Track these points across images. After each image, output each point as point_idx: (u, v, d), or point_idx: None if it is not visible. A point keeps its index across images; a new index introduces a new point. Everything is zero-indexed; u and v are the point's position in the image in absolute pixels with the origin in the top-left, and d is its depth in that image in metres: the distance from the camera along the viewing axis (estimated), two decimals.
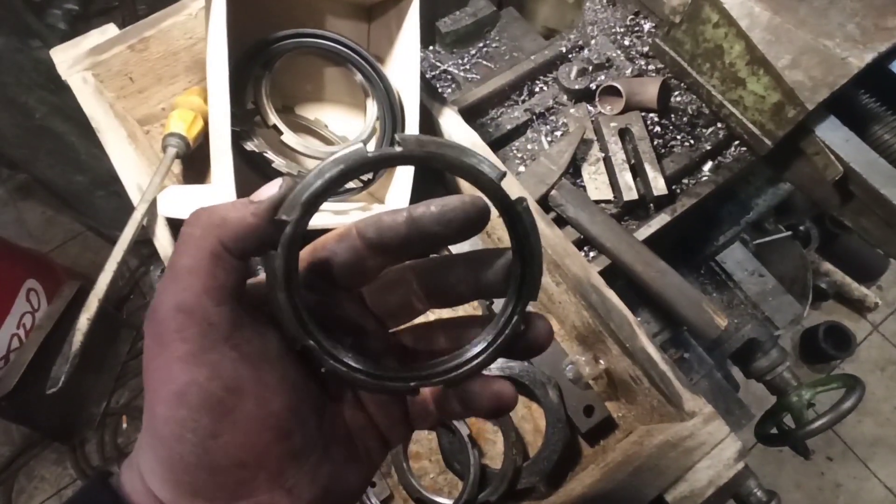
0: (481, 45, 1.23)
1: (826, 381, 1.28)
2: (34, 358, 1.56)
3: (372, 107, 0.72)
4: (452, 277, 0.33)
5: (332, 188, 0.27)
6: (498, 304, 0.33)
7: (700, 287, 1.23)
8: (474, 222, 0.29)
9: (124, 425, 1.89)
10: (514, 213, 0.28)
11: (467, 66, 1.22)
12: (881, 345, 2.21)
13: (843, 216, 0.89)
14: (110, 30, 0.81)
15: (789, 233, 1.53)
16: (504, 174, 0.28)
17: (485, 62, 1.22)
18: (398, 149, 0.26)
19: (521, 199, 0.28)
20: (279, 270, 0.27)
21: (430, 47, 1.24)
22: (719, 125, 0.95)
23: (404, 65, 0.67)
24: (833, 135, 0.81)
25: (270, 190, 0.28)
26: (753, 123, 0.87)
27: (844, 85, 0.74)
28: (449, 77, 1.20)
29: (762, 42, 0.77)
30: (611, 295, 0.62)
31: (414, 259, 0.34)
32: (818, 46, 0.75)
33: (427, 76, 1.21)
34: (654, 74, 0.98)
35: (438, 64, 1.22)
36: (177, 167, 0.89)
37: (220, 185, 0.59)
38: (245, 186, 0.66)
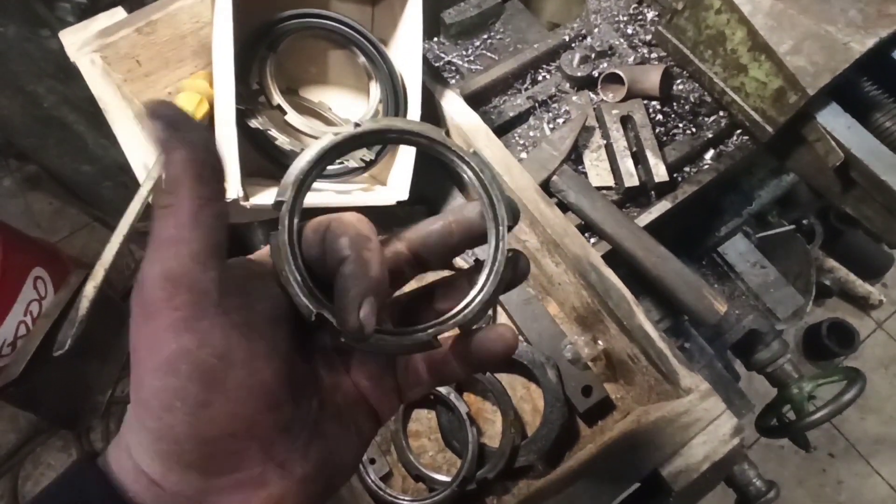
0: (485, 36, 1.23)
1: (827, 374, 1.28)
2: (41, 345, 1.58)
3: (375, 89, 0.73)
4: (436, 239, 0.34)
5: (315, 170, 0.31)
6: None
7: (702, 278, 1.23)
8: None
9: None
10: (465, 161, 0.32)
11: (471, 58, 1.22)
12: (885, 342, 2.20)
13: (845, 204, 0.89)
14: (119, 13, 0.82)
15: (792, 227, 1.53)
16: (446, 131, 0.32)
17: (489, 54, 1.22)
18: (356, 129, 0.31)
19: (471, 151, 0.32)
20: (283, 245, 0.29)
21: (435, 39, 1.24)
22: (721, 113, 0.95)
23: (408, 48, 0.68)
24: (834, 121, 0.81)
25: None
26: (755, 110, 0.87)
27: (846, 70, 0.75)
28: (453, 68, 1.21)
29: (764, 28, 0.77)
30: (609, 274, 0.63)
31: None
32: (820, 32, 0.75)
33: (430, 63, 1.22)
34: (656, 62, 0.98)
35: (442, 55, 1.22)
36: None
37: (225, 161, 0.60)
38: (249, 165, 0.67)
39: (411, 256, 0.34)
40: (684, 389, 0.58)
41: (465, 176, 0.32)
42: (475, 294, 0.32)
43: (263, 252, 0.34)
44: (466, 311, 0.31)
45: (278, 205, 0.30)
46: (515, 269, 0.33)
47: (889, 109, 0.84)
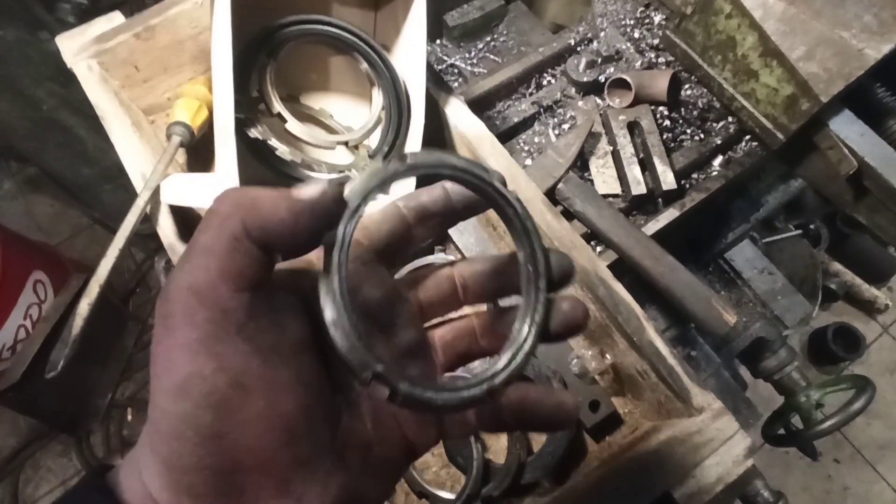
0: (489, 39, 1.22)
1: (835, 382, 1.26)
2: (40, 349, 1.57)
3: (377, 96, 0.72)
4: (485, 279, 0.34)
5: (363, 205, 0.27)
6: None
7: (708, 285, 1.22)
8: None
9: (129, 417, 1.89)
10: (512, 207, 0.30)
11: (474, 61, 1.21)
12: (891, 347, 2.18)
13: (857, 213, 0.87)
14: (116, 17, 0.81)
15: (799, 231, 1.51)
16: (502, 179, 0.30)
17: (492, 56, 1.21)
18: (408, 161, 0.28)
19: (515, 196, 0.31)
20: (337, 295, 0.25)
21: (437, 41, 1.23)
22: (730, 119, 0.93)
23: (411, 54, 0.67)
24: (848, 129, 0.79)
25: (312, 191, 0.25)
26: (766, 117, 0.85)
27: (860, 77, 0.73)
28: (456, 71, 1.20)
29: (776, 33, 0.76)
30: (619, 288, 0.61)
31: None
32: (834, 37, 0.73)
33: (434, 69, 1.20)
34: (663, 67, 0.96)
35: (445, 58, 1.21)
36: (181, 157, 0.89)
37: (224, 173, 0.59)
38: (249, 175, 0.66)
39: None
40: (696, 408, 0.56)
41: (513, 222, 0.30)
42: (519, 343, 0.30)
43: (310, 259, 0.31)
44: (512, 364, 0.29)
45: (328, 244, 0.26)
46: (566, 316, 0.31)
47: None
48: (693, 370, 1.18)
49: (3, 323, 1.53)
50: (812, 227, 1.52)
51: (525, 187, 0.66)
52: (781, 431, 1.33)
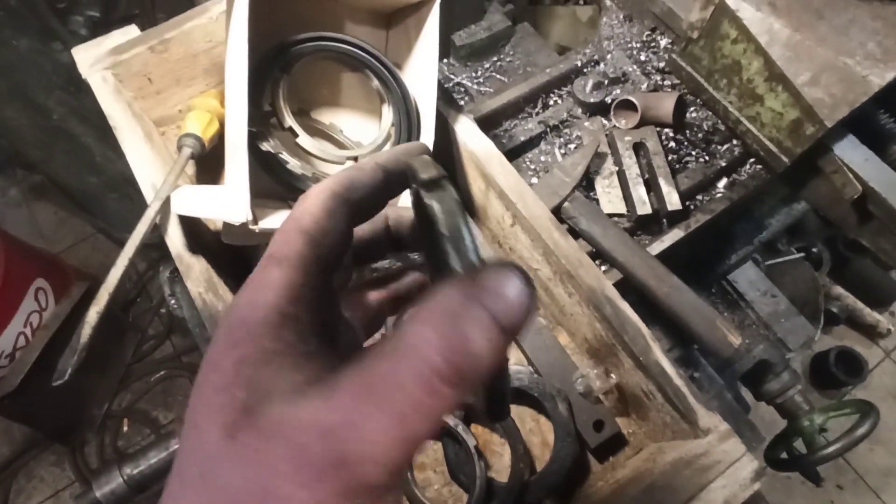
0: (495, 59, 1.24)
1: (839, 406, 1.25)
2: (39, 357, 1.56)
3: (387, 113, 0.72)
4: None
5: None
6: None
7: (711, 306, 1.22)
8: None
9: (125, 428, 1.88)
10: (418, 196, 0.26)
11: (481, 80, 1.22)
12: (894, 372, 2.17)
13: (861, 236, 0.88)
14: (132, 31, 0.82)
15: (801, 255, 1.51)
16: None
17: (498, 76, 1.22)
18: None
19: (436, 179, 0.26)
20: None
21: (445, 60, 1.25)
22: (735, 142, 0.94)
23: (422, 71, 0.68)
24: (852, 153, 0.80)
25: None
26: (770, 140, 0.86)
27: (865, 103, 0.74)
28: (462, 90, 1.21)
29: (781, 58, 0.77)
30: (625, 307, 0.61)
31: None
32: (838, 64, 0.74)
33: (443, 87, 1.22)
34: (669, 89, 0.97)
35: (452, 77, 1.22)
36: (190, 169, 0.89)
37: (234, 184, 0.59)
38: (259, 187, 0.66)
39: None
40: (703, 430, 0.56)
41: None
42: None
43: None
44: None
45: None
46: None
47: None
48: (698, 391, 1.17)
49: (3, 330, 1.52)
50: (814, 250, 1.52)
51: (533, 205, 0.66)
52: (784, 455, 1.31)
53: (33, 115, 1.55)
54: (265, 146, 0.61)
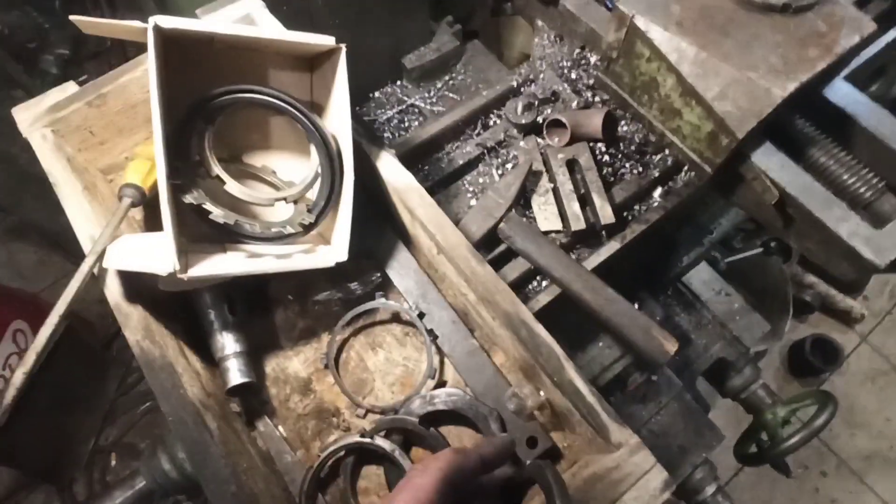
0: (447, 77, 1.27)
1: (800, 398, 1.28)
2: (20, 399, 1.58)
3: (314, 152, 0.75)
4: None
5: None
6: None
7: (667, 308, 1.25)
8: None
9: (113, 462, 1.89)
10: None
11: (433, 100, 1.25)
12: (870, 356, 2.20)
13: (788, 238, 0.91)
14: (70, 87, 0.85)
15: (759, 250, 1.54)
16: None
17: (451, 94, 1.26)
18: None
19: None
20: None
21: (398, 82, 1.28)
22: (667, 152, 0.97)
23: (339, 113, 0.71)
24: (768, 160, 0.83)
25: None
26: (693, 151, 0.89)
27: (771, 114, 0.77)
28: (416, 110, 1.24)
29: (691, 75, 0.80)
30: (540, 330, 0.64)
31: None
32: (743, 78, 0.77)
33: (395, 111, 1.25)
34: (600, 105, 1.00)
35: (405, 98, 1.25)
36: (138, 214, 0.92)
37: (163, 235, 0.62)
38: (191, 231, 0.69)
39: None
40: (614, 444, 0.59)
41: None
42: None
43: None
44: None
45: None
46: None
47: (823, 145, 0.87)
48: (654, 395, 1.20)
49: None
50: (773, 244, 1.55)
51: (451, 235, 0.69)
52: (754, 450, 1.34)
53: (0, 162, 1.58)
54: (188, 198, 0.64)
